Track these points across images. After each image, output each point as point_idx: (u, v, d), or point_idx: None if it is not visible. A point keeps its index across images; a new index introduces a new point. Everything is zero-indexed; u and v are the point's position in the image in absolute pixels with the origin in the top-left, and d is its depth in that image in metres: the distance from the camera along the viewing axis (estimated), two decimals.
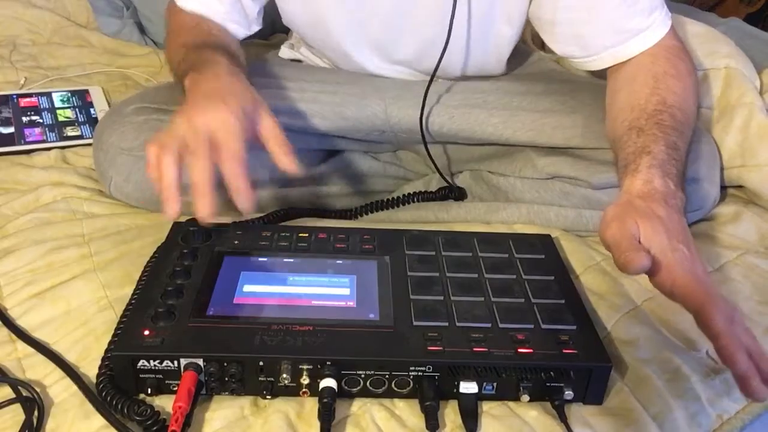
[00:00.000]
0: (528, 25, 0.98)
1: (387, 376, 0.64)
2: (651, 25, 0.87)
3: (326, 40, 0.99)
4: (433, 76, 0.93)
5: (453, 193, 1.00)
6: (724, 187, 1.00)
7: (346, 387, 0.64)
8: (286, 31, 1.45)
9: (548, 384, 0.65)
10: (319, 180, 1.00)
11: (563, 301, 0.72)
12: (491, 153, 0.99)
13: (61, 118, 1.13)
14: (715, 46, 1.05)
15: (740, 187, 0.99)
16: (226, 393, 0.64)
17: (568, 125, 0.93)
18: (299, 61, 1.13)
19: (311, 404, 0.64)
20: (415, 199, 0.99)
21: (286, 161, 0.72)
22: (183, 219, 0.80)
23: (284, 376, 0.63)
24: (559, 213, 0.91)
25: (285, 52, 1.14)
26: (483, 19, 0.94)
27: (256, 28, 0.98)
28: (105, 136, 0.90)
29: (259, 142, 0.73)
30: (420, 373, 0.64)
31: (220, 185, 0.66)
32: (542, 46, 1.25)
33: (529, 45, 1.24)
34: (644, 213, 0.67)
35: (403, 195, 0.99)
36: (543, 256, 0.79)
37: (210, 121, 0.68)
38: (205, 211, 0.64)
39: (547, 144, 0.93)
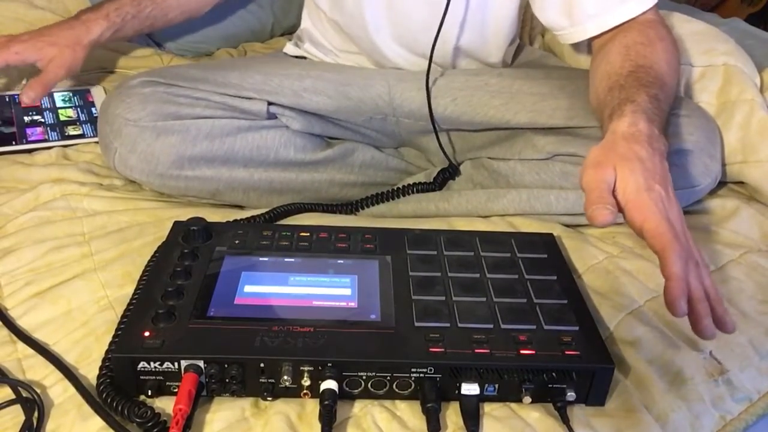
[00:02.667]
0: (526, 24, 0.98)
1: (388, 378, 0.64)
2: None
3: None
4: (435, 43, 0.95)
5: (446, 173, 1.00)
6: (724, 183, 1.00)
7: (347, 388, 0.64)
8: (285, 33, 1.45)
9: (550, 385, 0.64)
10: (322, 167, 1.00)
11: (566, 302, 0.72)
12: (492, 139, 0.99)
13: (62, 118, 1.12)
14: (713, 43, 1.04)
15: (741, 183, 0.99)
16: (227, 394, 0.64)
17: (567, 107, 0.93)
18: (304, 58, 1.13)
19: (312, 406, 0.64)
20: (413, 190, 0.98)
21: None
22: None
23: (285, 377, 0.62)
24: (559, 196, 0.91)
25: (290, 48, 1.14)
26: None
27: None
28: (111, 108, 0.91)
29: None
30: (421, 375, 0.63)
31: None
32: (543, 47, 1.26)
33: (527, 43, 1.24)
34: (624, 156, 0.68)
35: (403, 186, 0.99)
36: (545, 256, 0.79)
37: None
38: None
39: (547, 125, 0.93)
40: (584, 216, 0.89)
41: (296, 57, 1.14)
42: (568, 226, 0.91)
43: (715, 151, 0.92)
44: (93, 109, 1.15)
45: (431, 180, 1.01)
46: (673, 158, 0.89)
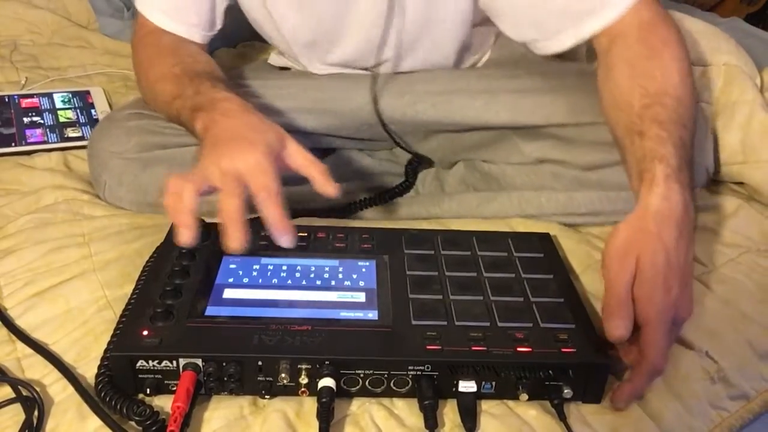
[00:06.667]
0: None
1: (386, 376, 0.64)
2: (607, 4, 0.82)
3: (276, 36, 1.00)
4: (375, 71, 0.94)
5: (413, 164, 1.01)
6: (721, 182, 1.00)
7: (344, 386, 0.64)
8: None
9: (547, 383, 0.65)
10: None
11: (562, 300, 0.72)
12: (479, 141, 0.98)
13: (62, 119, 1.13)
14: (715, 43, 1.04)
15: (741, 183, 0.99)
16: (225, 393, 0.64)
17: (548, 102, 0.92)
18: (288, 68, 1.12)
19: (310, 404, 0.64)
20: (387, 197, 0.98)
21: (328, 187, 0.72)
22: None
23: (283, 375, 0.63)
24: (550, 197, 0.91)
25: (274, 59, 1.13)
26: (421, 22, 0.94)
27: (218, 26, 0.99)
28: (98, 143, 0.91)
29: (290, 171, 0.73)
30: (419, 373, 0.64)
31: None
32: None
33: None
34: (651, 245, 0.66)
35: (382, 193, 0.98)
36: (542, 255, 0.79)
37: (238, 163, 0.67)
38: (236, 242, 0.63)
39: (528, 123, 0.92)
40: (575, 215, 0.90)
41: (281, 68, 1.13)
42: (565, 224, 0.91)
43: (704, 144, 0.92)
44: (93, 111, 1.16)
45: (397, 185, 1.01)
46: None
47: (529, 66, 1.00)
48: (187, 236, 0.63)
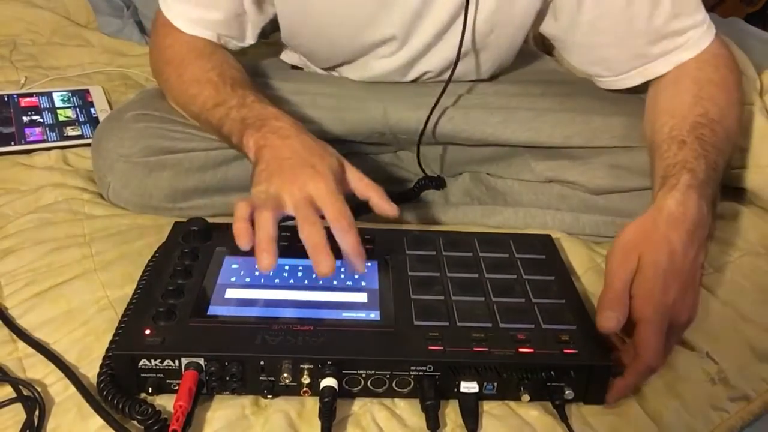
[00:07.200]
0: (531, 26, 0.97)
1: (388, 376, 0.64)
2: (680, 45, 0.86)
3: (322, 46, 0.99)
4: (447, 84, 0.92)
5: (433, 182, 1.00)
6: (724, 187, 1.00)
7: (347, 386, 0.64)
8: None
9: (549, 384, 0.65)
10: None
11: (564, 301, 0.72)
12: (490, 155, 0.99)
13: (61, 118, 1.13)
14: None
15: (740, 188, 0.99)
16: (227, 392, 0.64)
17: (567, 122, 0.93)
18: (299, 67, 1.11)
19: (312, 404, 0.64)
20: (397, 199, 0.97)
21: (388, 209, 0.73)
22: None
23: (285, 375, 0.63)
24: (555, 217, 0.91)
25: (287, 56, 1.13)
26: (479, 35, 0.93)
27: (251, 41, 0.98)
28: (103, 142, 0.89)
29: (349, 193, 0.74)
30: (421, 373, 0.64)
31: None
32: (543, 47, 1.25)
33: (530, 45, 1.23)
34: (656, 245, 0.66)
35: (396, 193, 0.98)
36: (543, 257, 0.79)
37: (311, 190, 0.68)
38: (326, 269, 0.63)
39: (546, 143, 0.93)
40: (579, 236, 0.90)
41: (293, 66, 1.12)
42: None
43: None
44: (92, 110, 1.15)
45: (410, 188, 1.00)
46: None
47: (547, 85, 1.01)
48: (269, 262, 0.63)
